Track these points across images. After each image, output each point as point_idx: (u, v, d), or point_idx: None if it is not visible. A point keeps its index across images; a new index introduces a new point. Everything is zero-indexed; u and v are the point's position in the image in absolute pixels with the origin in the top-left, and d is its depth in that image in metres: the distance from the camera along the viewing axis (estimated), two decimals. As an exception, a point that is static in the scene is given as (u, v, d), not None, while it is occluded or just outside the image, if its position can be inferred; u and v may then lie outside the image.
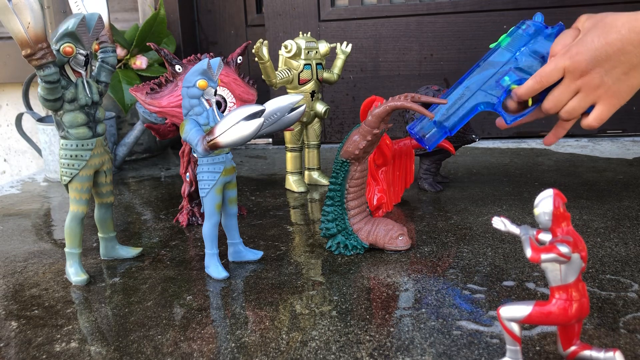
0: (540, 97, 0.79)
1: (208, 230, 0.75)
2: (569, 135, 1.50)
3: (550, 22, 0.82)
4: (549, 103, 0.77)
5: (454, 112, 0.83)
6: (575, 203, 0.97)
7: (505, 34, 0.82)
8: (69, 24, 0.69)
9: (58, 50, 0.69)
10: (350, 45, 1.15)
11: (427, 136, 0.85)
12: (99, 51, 0.76)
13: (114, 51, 0.77)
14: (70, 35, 0.69)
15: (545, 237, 0.51)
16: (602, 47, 0.72)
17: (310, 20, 1.53)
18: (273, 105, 0.74)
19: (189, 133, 0.72)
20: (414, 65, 1.52)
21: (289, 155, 1.14)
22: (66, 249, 0.76)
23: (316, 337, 0.59)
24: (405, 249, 0.80)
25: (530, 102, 0.81)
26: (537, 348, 0.55)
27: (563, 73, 0.75)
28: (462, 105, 0.83)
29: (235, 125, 0.68)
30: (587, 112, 0.77)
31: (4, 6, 0.64)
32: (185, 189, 0.98)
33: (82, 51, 0.71)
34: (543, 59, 0.79)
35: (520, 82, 0.79)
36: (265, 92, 1.51)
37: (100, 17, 0.71)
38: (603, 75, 0.73)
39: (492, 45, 0.83)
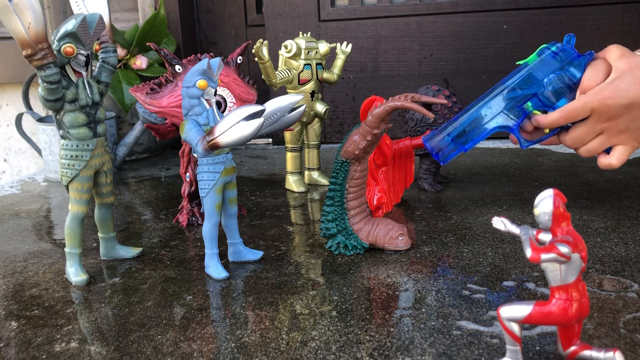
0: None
1: (208, 230, 0.75)
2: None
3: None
4: (570, 140, 0.78)
5: (474, 131, 0.83)
6: (575, 203, 0.97)
7: (535, 53, 0.81)
8: (70, 24, 0.69)
9: (59, 51, 0.69)
10: (350, 45, 1.15)
11: (442, 151, 0.85)
12: (99, 51, 0.76)
13: (115, 51, 0.77)
14: (71, 36, 0.69)
15: (545, 237, 0.51)
16: (636, 98, 0.72)
17: (310, 20, 1.53)
18: (273, 105, 0.74)
19: (189, 133, 0.72)
20: (414, 65, 1.52)
21: (289, 155, 1.14)
22: (66, 249, 0.76)
23: (316, 337, 0.59)
24: (405, 249, 0.80)
25: (547, 131, 0.81)
26: (537, 348, 0.55)
27: (590, 113, 0.75)
28: (483, 126, 0.83)
29: (235, 125, 0.68)
30: (606, 151, 0.78)
31: (4, 6, 0.64)
32: (185, 189, 0.98)
33: (82, 51, 0.71)
34: (570, 89, 0.79)
35: (542, 108, 0.80)
36: (265, 92, 1.51)
37: (101, 17, 0.71)
38: (629, 122, 0.74)
39: (519, 62, 0.82)
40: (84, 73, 0.72)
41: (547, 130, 0.81)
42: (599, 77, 0.76)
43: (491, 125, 0.82)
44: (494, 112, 0.82)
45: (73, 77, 0.72)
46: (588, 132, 0.76)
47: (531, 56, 0.82)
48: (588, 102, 0.74)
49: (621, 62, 0.75)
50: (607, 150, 0.78)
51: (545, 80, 0.79)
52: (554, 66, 0.79)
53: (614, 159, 0.77)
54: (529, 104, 0.80)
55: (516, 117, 0.81)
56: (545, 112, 0.80)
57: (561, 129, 0.80)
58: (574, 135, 0.77)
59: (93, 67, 0.76)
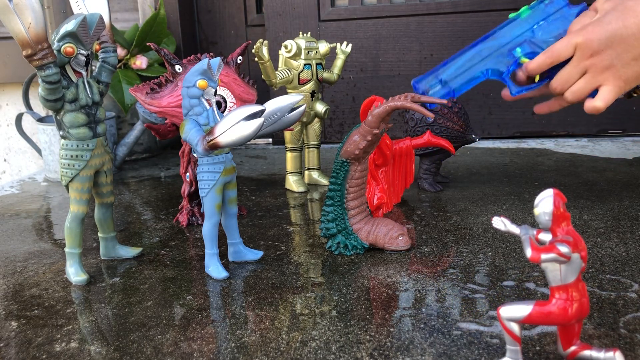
0: (548, 74, 0.78)
1: (208, 230, 0.75)
2: (569, 135, 1.51)
3: None
4: (556, 82, 0.76)
5: (462, 74, 0.82)
6: (575, 203, 0.97)
7: (527, 6, 0.81)
8: (70, 24, 0.69)
9: (59, 51, 0.69)
10: (350, 45, 1.15)
11: (430, 92, 0.84)
12: (99, 51, 0.76)
13: (115, 51, 0.77)
14: (71, 36, 0.69)
15: (545, 237, 0.51)
16: (618, 30, 0.71)
17: (310, 20, 1.53)
18: (273, 105, 0.74)
19: (189, 133, 0.72)
20: (414, 65, 1.52)
21: (289, 155, 1.14)
22: (66, 249, 0.76)
23: (316, 337, 0.59)
24: (405, 249, 0.80)
25: (537, 78, 0.80)
26: (537, 348, 0.55)
27: (574, 50, 0.74)
28: (471, 68, 0.82)
29: (235, 125, 0.68)
30: (591, 96, 0.77)
31: (4, 6, 0.64)
32: (185, 189, 0.98)
33: (83, 51, 0.71)
34: (559, 37, 0.78)
35: (532, 55, 0.79)
36: (265, 92, 1.51)
37: (101, 17, 0.71)
38: (613, 58, 0.72)
39: (511, 15, 0.82)
40: (84, 73, 0.72)
41: (537, 78, 0.81)
42: (585, 22, 0.76)
43: (479, 67, 0.81)
44: (482, 55, 0.82)
45: (73, 77, 0.72)
46: (572, 71, 0.75)
47: (523, 8, 0.82)
48: (571, 39, 0.74)
49: (607, 3, 0.74)
50: (593, 95, 0.77)
51: (535, 27, 0.80)
52: (545, 15, 0.80)
53: (598, 101, 0.75)
54: (518, 49, 0.80)
55: (507, 64, 0.81)
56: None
57: (549, 78, 0.80)
58: (559, 77, 0.76)
59: (93, 67, 0.76)
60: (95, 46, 0.76)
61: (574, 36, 0.74)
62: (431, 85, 0.82)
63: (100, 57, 0.76)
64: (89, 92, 0.73)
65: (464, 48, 0.83)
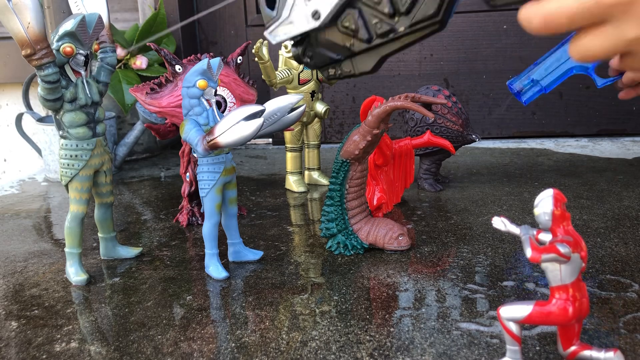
0: None
1: (208, 230, 0.75)
2: (568, 135, 1.51)
3: None
4: (631, 72, 0.77)
5: (551, 72, 0.87)
6: (575, 203, 0.97)
7: None
8: (69, 24, 0.69)
9: (58, 50, 0.69)
10: (350, 45, 1.15)
11: (524, 91, 0.89)
12: (98, 51, 0.76)
13: (114, 51, 0.77)
14: (70, 35, 0.69)
15: (545, 237, 0.51)
16: None
17: (310, 20, 1.53)
18: (273, 105, 0.74)
19: (189, 133, 0.72)
20: (414, 65, 1.52)
21: (289, 155, 1.14)
22: (66, 249, 0.76)
23: (316, 337, 0.59)
24: (405, 249, 0.80)
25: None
26: (537, 348, 0.55)
27: None
28: (559, 67, 0.86)
29: (235, 126, 0.68)
30: None
31: (3, 6, 0.64)
32: (185, 189, 0.98)
33: (82, 51, 0.71)
34: None
35: None
36: (265, 92, 1.51)
37: (100, 17, 0.71)
38: None
39: None
40: (83, 73, 0.72)
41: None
42: None
43: (567, 65, 0.86)
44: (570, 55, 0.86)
45: (72, 77, 0.72)
46: None
47: None
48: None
49: None
50: None
51: None
52: None
53: None
54: None
55: None
56: None
57: None
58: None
59: (92, 67, 0.76)
60: (95, 46, 0.76)
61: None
62: (524, 85, 0.89)
63: (99, 57, 0.76)
64: (88, 91, 0.73)
65: (552, 49, 0.89)
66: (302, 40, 0.37)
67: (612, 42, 0.35)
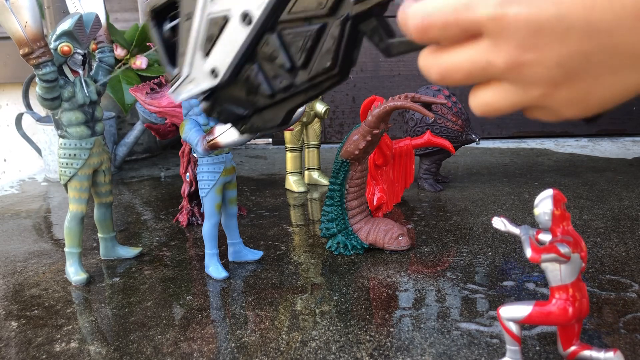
0: None
1: (208, 230, 0.75)
2: (568, 135, 1.50)
3: None
4: None
5: None
6: (575, 203, 0.97)
7: None
8: (67, 23, 0.69)
9: (55, 50, 0.69)
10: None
11: None
12: (96, 51, 0.76)
13: (112, 51, 0.77)
14: (68, 35, 0.69)
15: (545, 237, 0.51)
16: None
17: (310, 20, 1.53)
18: (273, 105, 0.74)
19: (189, 133, 0.72)
20: (414, 65, 1.51)
21: (289, 155, 1.14)
22: (66, 249, 0.76)
23: (316, 337, 0.59)
24: (405, 249, 0.80)
25: None
26: (537, 348, 0.55)
27: None
28: None
29: (235, 125, 0.68)
30: None
31: (1, 5, 0.64)
32: (185, 189, 0.98)
33: (79, 50, 0.71)
34: None
35: None
36: (265, 92, 1.51)
37: (97, 17, 0.71)
38: None
39: None
40: (81, 72, 0.72)
41: None
42: None
43: None
44: None
45: (70, 76, 0.72)
46: None
47: None
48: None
49: None
50: None
51: None
52: None
53: None
54: None
55: None
56: None
57: None
58: None
59: (91, 66, 0.76)
60: (92, 46, 0.76)
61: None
62: None
63: (97, 56, 0.76)
64: (86, 91, 0.73)
65: None
66: (210, 96, 0.36)
67: (511, 102, 0.32)
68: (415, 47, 0.32)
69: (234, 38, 0.33)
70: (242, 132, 0.38)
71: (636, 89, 0.31)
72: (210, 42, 0.33)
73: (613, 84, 0.30)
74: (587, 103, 0.31)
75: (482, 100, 0.33)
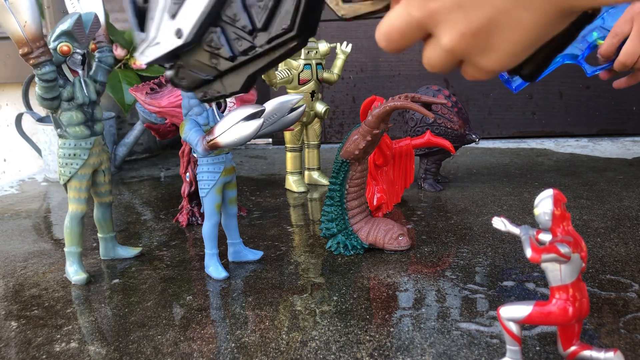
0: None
1: (208, 230, 0.75)
2: (568, 135, 1.50)
3: None
4: (622, 56, 0.78)
5: None
6: (575, 203, 0.97)
7: None
8: (66, 23, 0.70)
9: (55, 50, 0.69)
10: (350, 45, 1.15)
11: (514, 78, 0.88)
12: (96, 51, 0.76)
13: (111, 51, 0.77)
14: (67, 34, 0.69)
15: (545, 237, 0.51)
16: None
17: (310, 20, 1.53)
18: (273, 105, 0.74)
19: (189, 133, 0.72)
20: (414, 65, 1.51)
21: (289, 155, 1.14)
22: (66, 249, 0.76)
23: (316, 337, 0.59)
24: (405, 249, 0.80)
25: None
26: (537, 348, 0.55)
27: (632, 23, 0.76)
28: None
29: (235, 126, 0.68)
30: None
31: (0, 5, 0.64)
32: (185, 189, 0.98)
33: (79, 50, 0.71)
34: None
35: (604, 39, 0.82)
36: (265, 92, 1.51)
37: (96, 16, 0.71)
38: None
39: None
40: (80, 72, 0.72)
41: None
42: None
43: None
44: None
45: (69, 76, 0.72)
46: (634, 43, 0.77)
47: None
48: (627, 13, 0.75)
49: None
50: None
51: (604, 14, 0.83)
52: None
53: None
54: (594, 33, 0.83)
55: (581, 48, 0.84)
56: None
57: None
58: (624, 51, 0.78)
59: (91, 66, 0.76)
60: (92, 46, 0.76)
61: (629, 10, 0.75)
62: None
63: (96, 56, 0.76)
64: (85, 90, 0.73)
65: None
66: (175, 63, 0.37)
67: (438, 53, 0.33)
68: (370, 12, 0.35)
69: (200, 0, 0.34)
70: (202, 101, 0.39)
71: (537, 31, 0.31)
72: (177, 4, 0.35)
73: (513, 26, 0.31)
74: (497, 49, 0.32)
75: (424, 57, 0.35)
